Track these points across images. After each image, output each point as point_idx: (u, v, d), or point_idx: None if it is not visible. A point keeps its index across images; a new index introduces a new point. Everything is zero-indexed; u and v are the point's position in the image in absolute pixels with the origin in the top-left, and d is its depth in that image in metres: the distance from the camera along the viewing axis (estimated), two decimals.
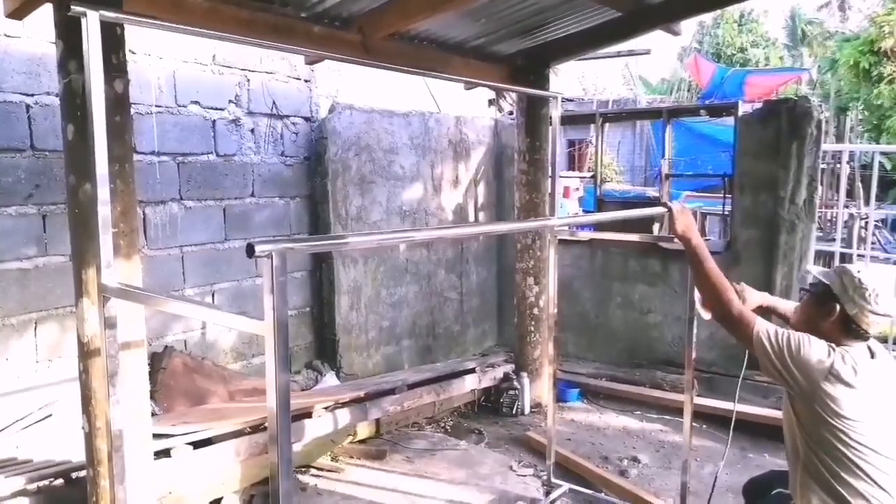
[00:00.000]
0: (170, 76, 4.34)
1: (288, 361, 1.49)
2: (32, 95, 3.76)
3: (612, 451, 4.26)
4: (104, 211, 1.97)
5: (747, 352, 2.20)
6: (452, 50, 4.34)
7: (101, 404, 2.52)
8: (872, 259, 6.83)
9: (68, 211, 2.61)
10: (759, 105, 5.52)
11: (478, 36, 4.28)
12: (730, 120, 5.67)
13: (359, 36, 3.65)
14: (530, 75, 4.77)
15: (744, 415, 4.46)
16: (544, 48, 4.69)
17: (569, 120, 7.31)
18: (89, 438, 2.63)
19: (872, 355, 2.05)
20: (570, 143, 14.76)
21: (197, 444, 3.32)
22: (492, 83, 4.92)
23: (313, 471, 3.85)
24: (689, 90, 19.96)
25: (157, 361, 4.17)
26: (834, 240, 7.00)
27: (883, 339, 5.57)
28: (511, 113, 7.10)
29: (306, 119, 5.26)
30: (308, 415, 3.85)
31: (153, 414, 3.57)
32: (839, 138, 15.33)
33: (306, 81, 5.25)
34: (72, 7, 1.81)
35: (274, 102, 5.00)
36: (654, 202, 6.93)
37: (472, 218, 6.46)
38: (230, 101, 4.72)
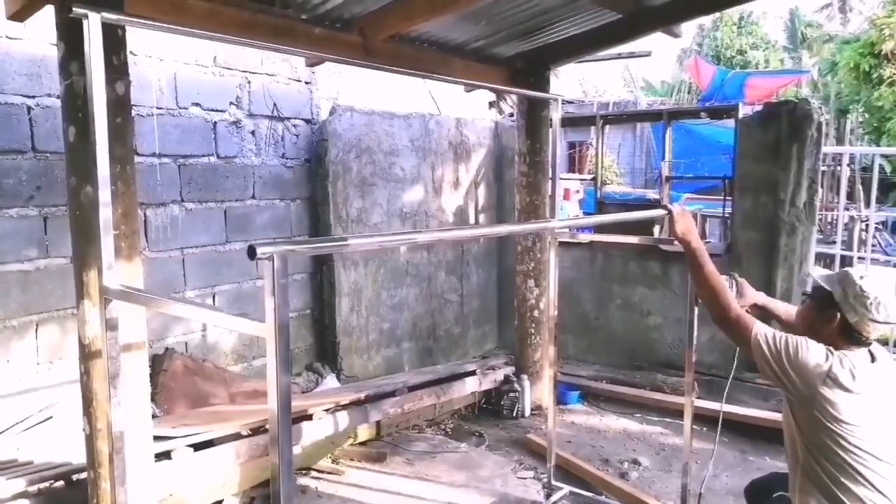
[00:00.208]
0: (171, 78, 4.35)
1: (289, 363, 1.49)
2: (34, 97, 3.76)
3: (612, 454, 4.25)
4: (105, 213, 1.97)
5: (737, 351, 2.21)
6: (453, 52, 4.34)
7: (102, 406, 2.52)
8: (873, 261, 6.83)
9: (69, 213, 2.61)
10: (759, 107, 5.52)
11: (478, 38, 4.29)
12: (730, 122, 5.68)
13: (360, 38, 3.66)
14: (530, 77, 4.77)
15: (744, 417, 4.47)
16: (544, 50, 4.70)
17: (569, 122, 7.32)
18: (90, 440, 2.63)
19: (873, 359, 2.05)
20: (571, 146, 14.77)
21: (197, 447, 3.32)
22: (492, 85, 4.92)
23: (314, 473, 3.84)
24: (689, 92, 19.98)
25: (157, 363, 4.17)
26: (834, 242, 7.00)
27: (884, 342, 5.57)
28: (511, 115, 7.10)
29: (307, 121, 5.26)
30: (309, 417, 3.84)
31: (154, 416, 3.57)
32: (839, 141, 15.33)
33: (307, 83, 5.26)
34: (73, 9, 1.81)
35: (275, 104, 5.01)
36: (654, 204, 6.93)
37: (472, 220, 6.46)
38: (231, 103, 4.72)
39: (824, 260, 6.71)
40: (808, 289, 2.30)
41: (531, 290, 5.05)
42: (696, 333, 2.99)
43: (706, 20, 24.01)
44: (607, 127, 7.09)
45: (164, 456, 3.15)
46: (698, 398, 4.59)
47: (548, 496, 3.63)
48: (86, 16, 1.83)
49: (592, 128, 7.54)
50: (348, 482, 3.78)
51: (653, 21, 4.23)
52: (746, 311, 2.39)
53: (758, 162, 5.09)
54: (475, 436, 4.57)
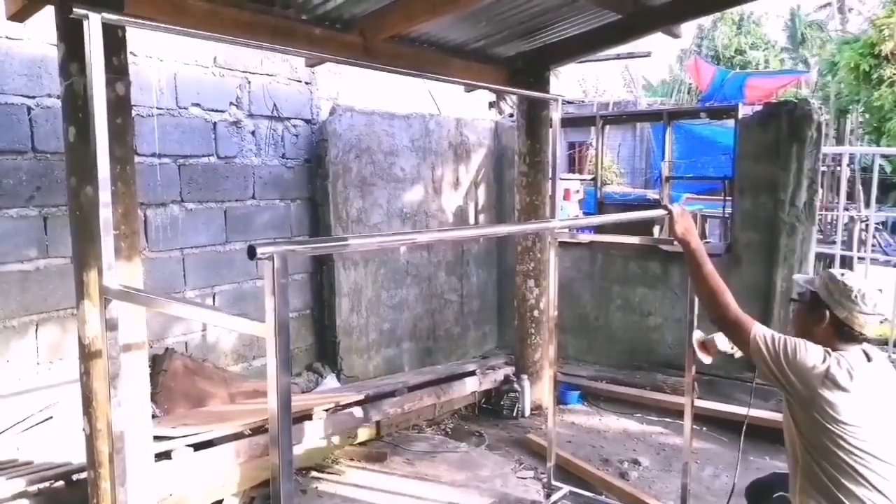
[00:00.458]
0: (171, 78, 4.35)
1: (289, 363, 1.49)
2: (34, 97, 3.77)
3: (612, 454, 4.26)
4: (105, 213, 1.97)
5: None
6: (453, 52, 4.34)
7: (102, 406, 2.52)
8: (872, 261, 6.83)
9: (69, 213, 2.61)
10: (759, 108, 5.52)
11: (478, 38, 4.29)
12: (730, 122, 5.68)
13: (360, 38, 3.66)
14: (530, 78, 4.77)
15: (744, 417, 4.46)
16: (544, 51, 4.70)
17: (569, 122, 7.32)
18: (90, 440, 2.63)
19: (869, 359, 2.05)
20: (571, 146, 14.78)
21: (197, 447, 3.32)
22: (492, 85, 4.92)
23: (314, 473, 3.85)
24: (689, 92, 19.99)
25: (157, 363, 4.17)
26: (834, 242, 7.01)
27: (883, 342, 5.57)
28: (511, 115, 7.10)
29: (307, 121, 5.27)
30: (309, 417, 3.85)
31: (154, 416, 3.57)
32: (839, 141, 15.33)
33: (307, 84, 5.26)
34: (74, 10, 1.81)
35: (275, 104, 5.01)
36: (654, 205, 6.94)
37: (472, 220, 6.46)
38: (231, 104, 4.73)
39: (824, 260, 6.71)
40: (794, 294, 2.31)
41: (531, 291, 5.05)
42: (695, 357, 2.98)
43: (706, 20, 24.02)
44: (607, 127, 7.10)
45: (164, 456, 3.15)
46: (698, 398, 4.59)
47: (548, 496, 3.63)
48: (86, 16, 1.83)
49: (592, 128, 7.54)
50: (348, 482, 3.78)
51: (652, 21, 4.23)
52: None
53: (758, 162, 5.09)
54: (475, 436, 4.57)
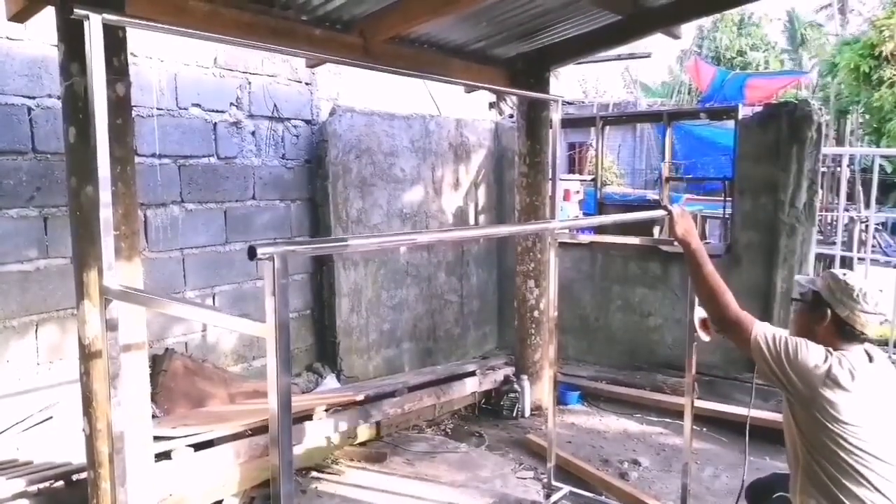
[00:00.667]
0: (171, 79, 4.35)
1: (289, 364, 1.49)
2: (34, 98, 3.77)
3: (612, 454, 4.26)
4: (105, 213, 1.97)
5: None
6: (453, 53, 4.35)
7: (102, 406, 2.53)
8: (872, 262, 6.83)
9: (70, 213, 2.61)
10: (759, 108, 5.53)
11: (478, 39, 4.29)
12: (730, 123, 5.68)
13: (360, 39, 3.66)
14: (530, 78, 4.77)
15: (744, 417, 4.46)
16: (544, 51, 4.70)
17: (569, 123, 7.32)
18: (90, 440, 2.63)
19: (870, 359, 2.05)
20: (571, 146, 14.79)
21: (197, 447, 3.32)
22: (492, 86, 4.92)
23: (314, 473, 3.85)
24: (689, 93, 20.00)
25: (157, 364, 4.17)
26: (834, 243, 7.01)
27: (884, 342, 5.57)
28: (511, 116, 7.11)
29: (307, 122, 5.27)
30: (309, 417, 3.85)
31: (154, 416, 3.57)
32: (839, 142, 15.34)
33: (307, 84, 5.26)
34: (74, 10, 1.82)
35: (275, 105, 5.01)
36: (654, 205, 6.94)
37: (472, 221, 6.47)
38: (231, 104, 4.73)
39: (824, 261, 6.71)
40: (796, 294, 2.31)
41: (531, 291, 5.05)
42: (696, 334, 2.99)
43: (706, 21, 24.04)
44: (607, 128, 7.10)
45: (164, 456, 3.15)
46: (698, 399, 4.60)
47: (548, 496, 3.63)
48: (87, 17, 1.83)
49: (592, 129, 7.54)
50: (348, 482, 3.78)
51: (652, 22, 4.24)
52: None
53: (758, 163, 5.09)
54: (475, 436, 4.57)
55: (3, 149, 3.66)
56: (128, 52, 2.62)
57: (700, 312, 2.73)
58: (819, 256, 6.35)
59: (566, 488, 3.65)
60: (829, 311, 2.05)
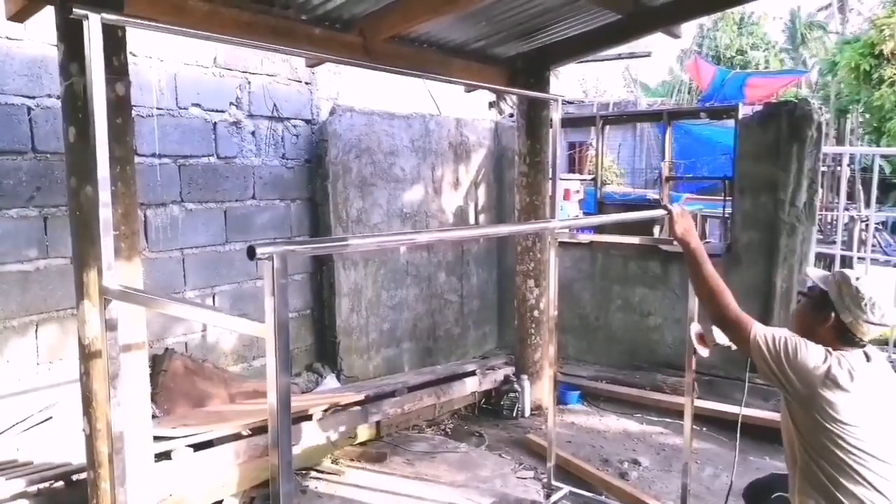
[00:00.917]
0: (171, 78, 4.35)
1: (289, 363, 1.49)
2: (34, 98, 3.77)
3: (612, 454, 4.25)
4: (105, 213, 1.97)
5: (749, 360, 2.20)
6: (453, 52, 4.34)
7: (102, 406, 2.52)
8: (872, 262, 6.82)
9: (69, 213, 2.61)
10: (759, 108, 5.52)
11: (478, 38, 4.29)
12: (730, 122, 5.68)
13: (360, 38, 3.66)
14: (531, 78, 4.77)
15: (744, 417, 4.46)
16: (544, 51, 4.70)
17: (569, 122, 7.32)
18: (90, 441, 2.63)
19: (868, 359, 2.04)
20: (571, 146, 14.77)
21: (197, 447, 3.32)
22: (492, 86, 4.92)
23: (313, 473, 3.84)
24: (689, 92, 20.00)
25: (157, 364, 4.17)
26: (834, 242, 7.00)
27: (883, 342, 5.57)
28: (511, 115, 7.10)
29: (307, 121, 5.26)
30: (308, 417, 3.85)
31: (154, 416, 3.57)
32: (839, 141, 15.34)
33: (307, 84, 5.26)
34: (74, 10, 1.81)
35: (275, 105, 5.01)
36: (654, 205, 6.93)
37: (472, 220, 6.46)
38: (231, 104, 4.73)
39: (824, 260, 6.71)
40: (805, 288, 2.29)
41: (531, 291, 5.05)
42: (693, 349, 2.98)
43: (706, 21, 24.03)
44: (607, 127, 7.10)
45: (164, 456, 3.15)
46: (698, 398, 4.59)
47: (548, 496, 3.63)
48: (86, 17, 1.83)
49: (592, 128, 7.54)
50: (348, 482, 3.78)
51: (652, 21, 4.23)
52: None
53: (758, 162, 5.09)
54: (475, 436, 4.57)
55: (3, 149, 3.65)
56: (127, 51, 2.61)
57: (696, 327, 2.72)
58: (819, 256, 6.35)
59: (566, 488, 3.65)
60: (833, 315, 2.03)
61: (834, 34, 21.63)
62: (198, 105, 4.52)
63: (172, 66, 4.36)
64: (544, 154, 4.89)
